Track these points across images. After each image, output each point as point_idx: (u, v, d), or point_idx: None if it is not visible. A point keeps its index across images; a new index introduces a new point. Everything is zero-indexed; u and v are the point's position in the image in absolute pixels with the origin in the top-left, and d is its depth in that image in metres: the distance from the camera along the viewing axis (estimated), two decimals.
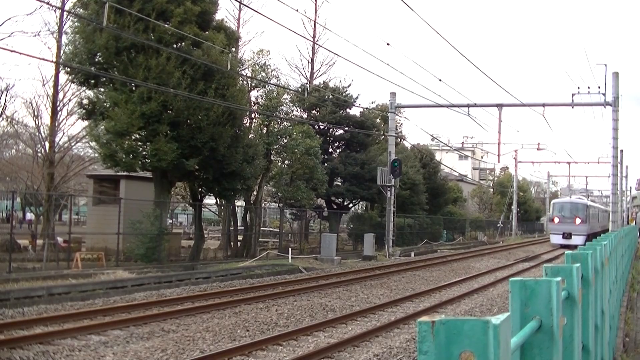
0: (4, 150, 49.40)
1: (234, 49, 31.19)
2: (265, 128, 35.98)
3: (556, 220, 54.24)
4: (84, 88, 28.83)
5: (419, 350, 1.67)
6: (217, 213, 47.64)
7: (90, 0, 25.91)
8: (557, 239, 53.87)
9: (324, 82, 47.09)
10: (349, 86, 46.95)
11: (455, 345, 1.67)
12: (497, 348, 1.69)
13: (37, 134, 36.71)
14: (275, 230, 46.98)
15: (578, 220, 52.78)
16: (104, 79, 26.51)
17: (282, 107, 37.06)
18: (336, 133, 45.78)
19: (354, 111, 46.29)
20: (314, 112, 44.26)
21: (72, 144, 37.46)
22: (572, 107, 36.37)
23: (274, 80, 35.03)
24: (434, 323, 1.67)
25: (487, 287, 23.76)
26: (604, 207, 70.59)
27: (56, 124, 34.28)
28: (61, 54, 30.69)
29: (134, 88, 25.88)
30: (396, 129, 44.22)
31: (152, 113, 25.39)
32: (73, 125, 51.29)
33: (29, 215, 50.94)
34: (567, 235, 52.35)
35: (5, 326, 12.96)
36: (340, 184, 45.33)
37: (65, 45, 28.93)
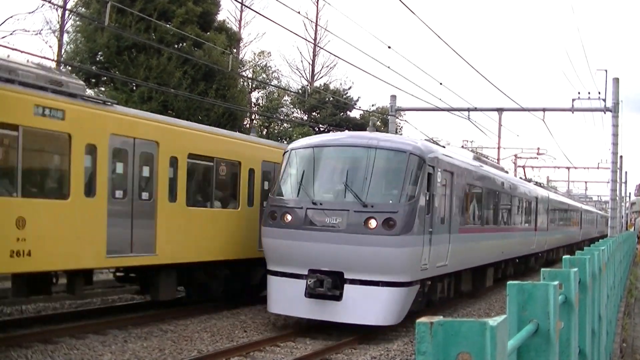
0: None
1: (235, 50, 31.25)
2: (266, 129, 36.04)
3: (288, 218, 13.62)
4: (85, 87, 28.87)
5: (417, 350, 1.70)
6: None
7: None
8: (280, 300, 13.66)
9: (324, 84, 47.09)
10: (349, 88, 46.93)
11: (452, 346, 1.70)
12: (493, 350, 1.71)
13: None
14: None
15: (373, 223, 12.85)
16: (105, 78, 26.55)
17: (283, 109, 37.11)
18: None
19: (355, 114, 46.31)
20: (314, 114, 44.27)
21: None
22: (572, 113, 36.39)
23: (274, 82, 35.10)
24: (432, 324, 1.70)
25: (486, 290, 23.74)
26: (558, 197, 37.77)
27: None
28: (62, 53, 30.73)
29: (134, 88, 25.91)
30: (396, 132, 44.25)
31: (152, 113, 25.43)
32: None
33: None
34: (317, 285, 12.92)
35: (3, 324, 12.97)
36: None
37: (66, 44, 28.99)
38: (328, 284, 12.86)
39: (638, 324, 16.30)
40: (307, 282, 13.00)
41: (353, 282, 12.95)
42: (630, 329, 15.07)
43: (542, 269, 3.82)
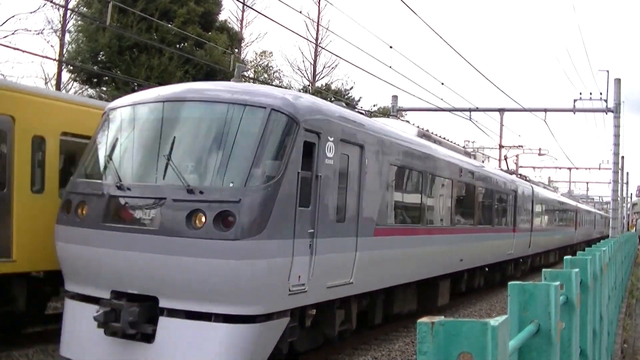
0: None
1: (236, 50, 31.29)
2: None
3: (85, 211, 9.11)
4: (87, 87, 28.95)
5: (419, 350, 1.69)
6: None
7: None
8: (72, 337, 8.93)
9: (326, 84, 47.07)
10: (351, 89, 46.92)
11: (454, 346, 1.70)
12: (495, 350, 1.71)
13: None
14: None
15: (201, 218, 8.10)
16: (107, 78, 26.58)
17: None
18: None
19: None
20: None
21: None
22: (574, 113, 36.39)
23: (276, 82, 35.13)
24: (433, 324, 1.70)
25: (487, 291, 23.74)
26: (548, 193, 33.63)
27: None
28: (64, 53, 30.77)
29: (136, 87, 25.92)
30: None
31: None
32: None
33: None
34: (110, 317, 8.20)
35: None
36: None
37: (68, 43, 29.02)
38: (130, 316, 8.05)
39: (639, 324, 16.29)
40: (96, 311, 8.25)
41: (172, 313, 8.15)
42: (632, 330, 15.07)
43: (544, 270, 3.81)
